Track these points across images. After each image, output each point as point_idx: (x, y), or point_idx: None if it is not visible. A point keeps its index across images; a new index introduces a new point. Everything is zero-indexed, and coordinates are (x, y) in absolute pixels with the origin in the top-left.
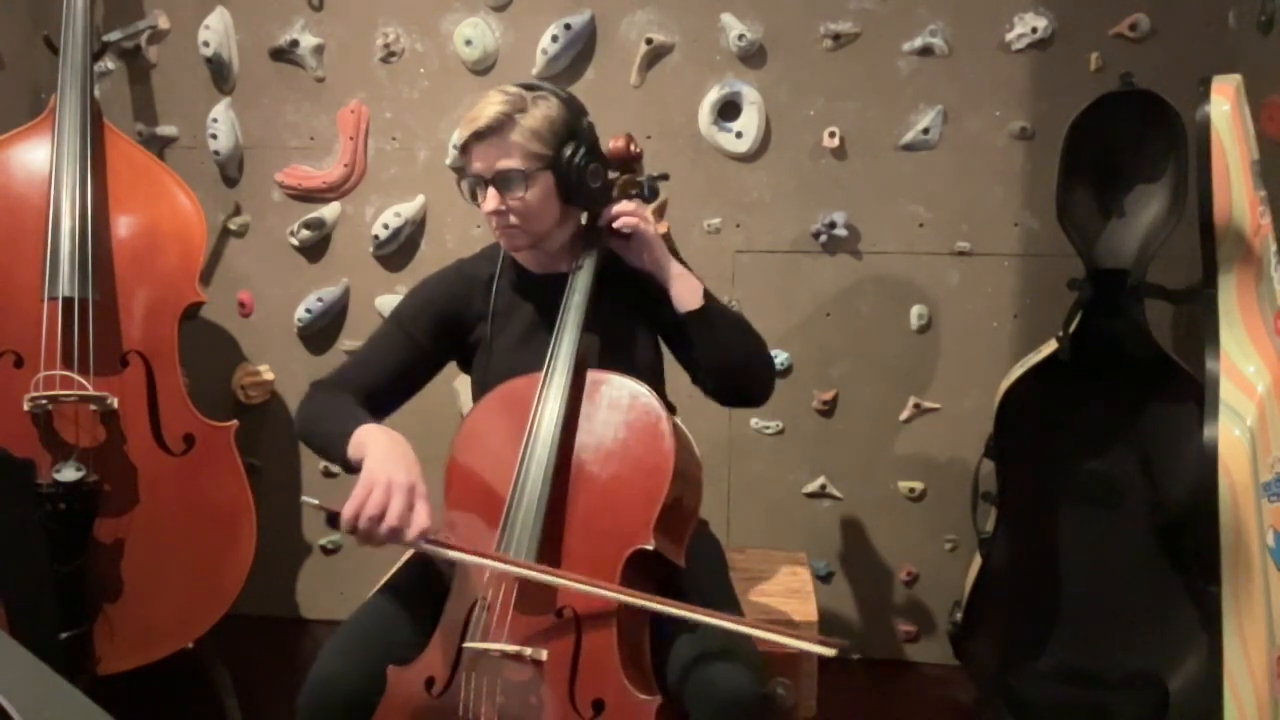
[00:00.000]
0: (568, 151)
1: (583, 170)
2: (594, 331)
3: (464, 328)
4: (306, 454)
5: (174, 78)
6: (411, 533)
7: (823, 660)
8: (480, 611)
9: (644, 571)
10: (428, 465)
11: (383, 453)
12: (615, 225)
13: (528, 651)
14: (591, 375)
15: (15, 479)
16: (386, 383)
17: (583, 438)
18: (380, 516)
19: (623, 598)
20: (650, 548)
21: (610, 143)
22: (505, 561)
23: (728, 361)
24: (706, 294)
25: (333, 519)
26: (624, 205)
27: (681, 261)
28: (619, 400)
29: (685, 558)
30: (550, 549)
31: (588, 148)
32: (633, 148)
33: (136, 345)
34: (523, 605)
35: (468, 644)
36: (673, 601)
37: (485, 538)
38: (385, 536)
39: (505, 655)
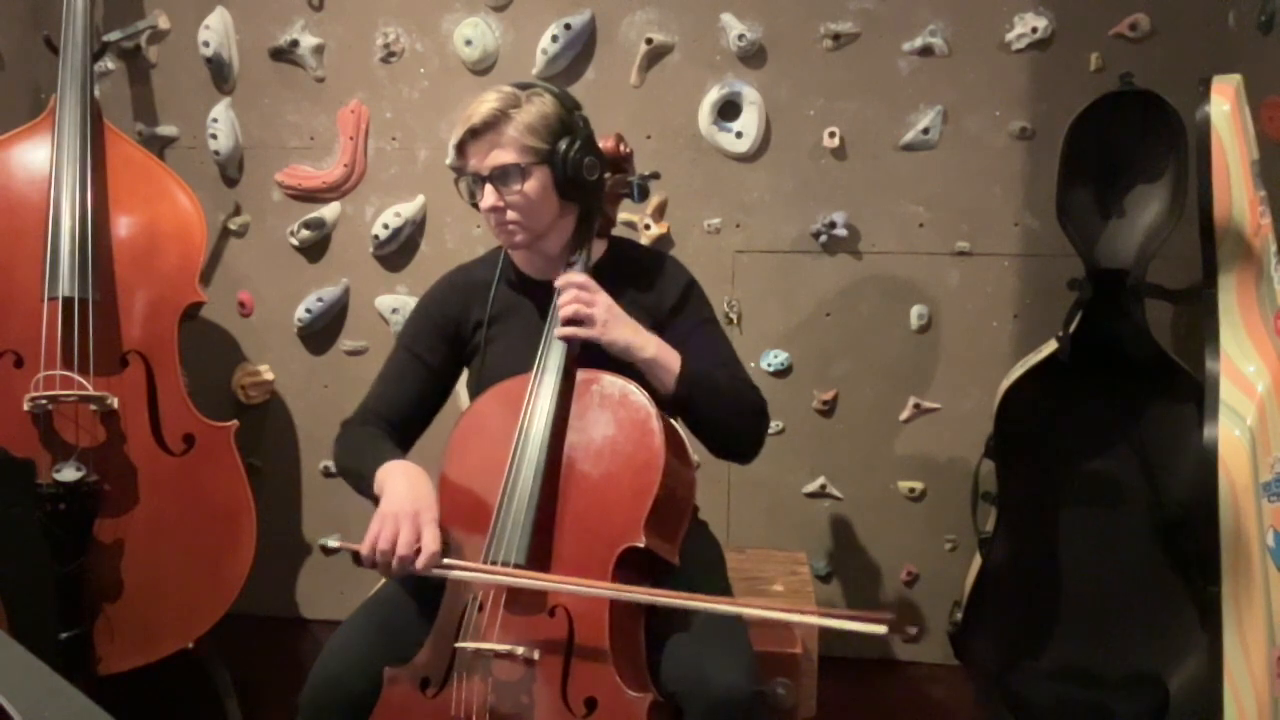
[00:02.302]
0: (563, 145)
1: (578, 164)
2: None
3: (465, 335)
4: (307, 454)
5: (174, 78)
6: (421, 561)
7: (824, 658)
8: (473, 611)
9: (637, 570)
10: (430, 465)
11: (393, 488)
12: (559, 337)
13: (520, 650)
14: (582, 374)
15: (15, 479)
16: (407, 409)
17: (573, 436)
18: (390, 550)
19: (623, 596)
20: (641, 545)
21: (600, 143)
22: (515, 576)
23: (706, 433)
24: (682, 378)
25: (356, 557)
26: (563, 301)
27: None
28: (609, 398)
29: (680, 556)
30: (541, 549)
31: (583, 141)
32: (622, 148)
33: (136, 345)
34: (514, 605)
35: (460, 644)
36: (670, 592)
37: (477, 539)
38: (398, 567)
39: (497, 655)
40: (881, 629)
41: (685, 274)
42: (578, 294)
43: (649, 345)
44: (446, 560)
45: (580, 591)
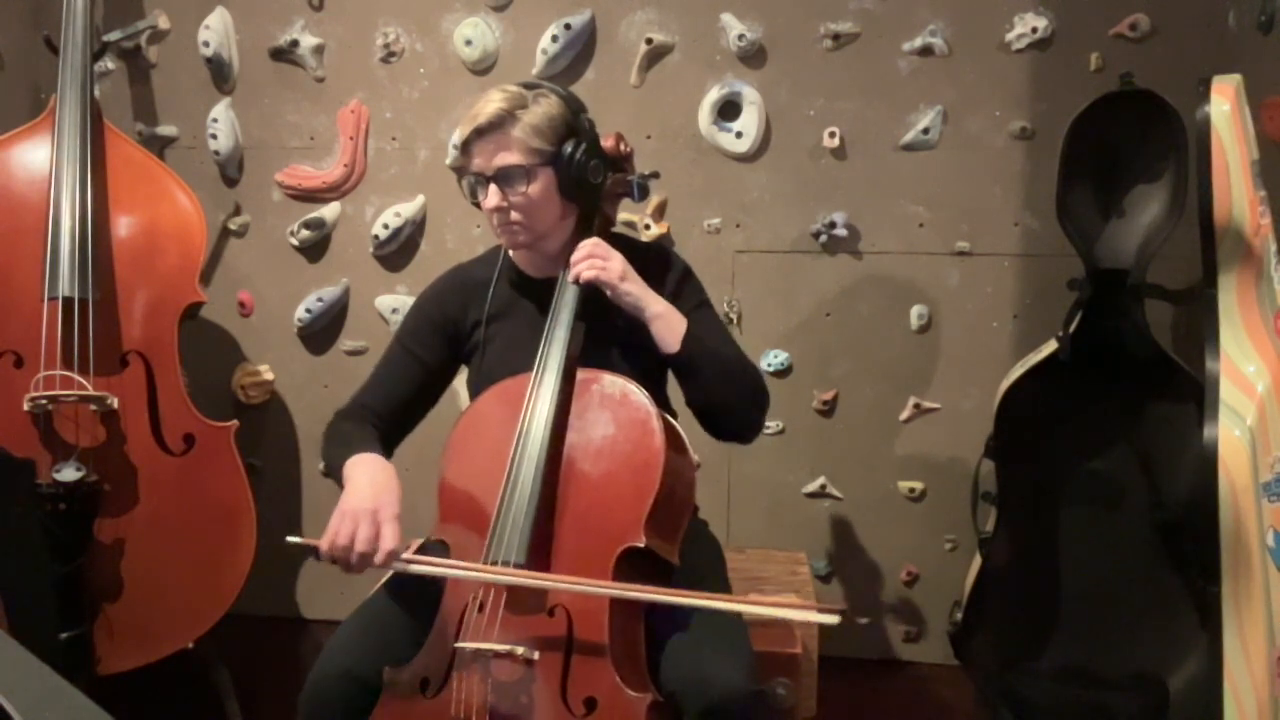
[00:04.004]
0: (569, 148)
1: (584, 166)
2: (590, 330)
3: (463, 334)
4: (307, 454)
5: (174, 78)
6: (379, 556)
7: (824, 658)
8: (473, 612)
9: (637, 570)
10: (429, 465)
11: (355, 483)
12: (573, 280)
13: (519, 650)
14: (583, 374)
15: (15, 479)
16: (400, 404)
17: (574, 436)
18: (349, 546)
19: (607, 591)
20: (642, 545)
21: (600, 142)
22: (478, 571)
23: (708, 403)
24: (688, 336)
25: (316, 553)
26: (578, 254)
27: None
28: (609, 398)
29: (680, 556)
30: (541, 549)
31: (588, 144)
32: (623, 147)
33: (136, 345)
34: (514, 605)
35: (459, 644)
36: (657, 588)
37: (477, 539)
38: (358, 564)
39: (497, 655)
40: (833, 619)
41: (681, 262)
42: (592, 250)
43: (657, 303)
44: (406, 556)
45: (563, 588)
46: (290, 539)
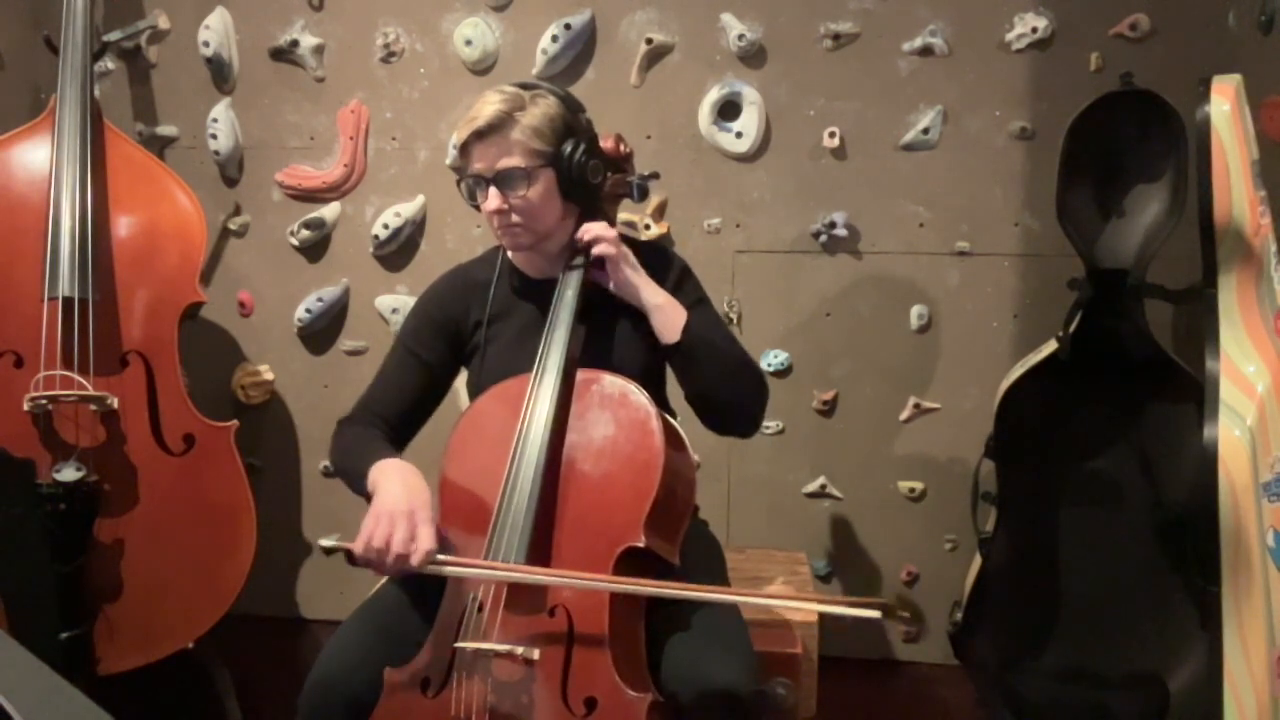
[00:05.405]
0: (568, 148)
1: (583, 166)
2: (589, 331)
3: (465, 335)
4: (307, 454)
5: (174, 78)
6: (416, 559)
7: (824, 658)
8: (473, 611)
9: (637, 570)
10: (430, 465)
11: (386, 486)
12: (582, 246)
13: (519, 650)
14: (582, 374)
15: (15, 479)
16: (405, 407)
17: (573, 437)
18: (386, 548)
19: (620, 587)
20: (641, 545)
21: (600, 143)
22: (515, 571)
23: (708, 395)
24: (689, 327)
25: (349, 556)
26: (590, 227)
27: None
28: (609, 398)
29: (680, 556)
30: (541, 549)
31: (588, 144)
32: (622, 147)
33: (136, 345)
34: (514, 605)
35: (460, 644)
36: (674, 584)
37: (477, 539)
38: (394, 565)
39: (497, 654)
40: (875, 614)
41: (680, 260)
42: (600, 231)
43: (658, 294)
44: (441, 557)
45: (576, 584)
46: (323, 543)
